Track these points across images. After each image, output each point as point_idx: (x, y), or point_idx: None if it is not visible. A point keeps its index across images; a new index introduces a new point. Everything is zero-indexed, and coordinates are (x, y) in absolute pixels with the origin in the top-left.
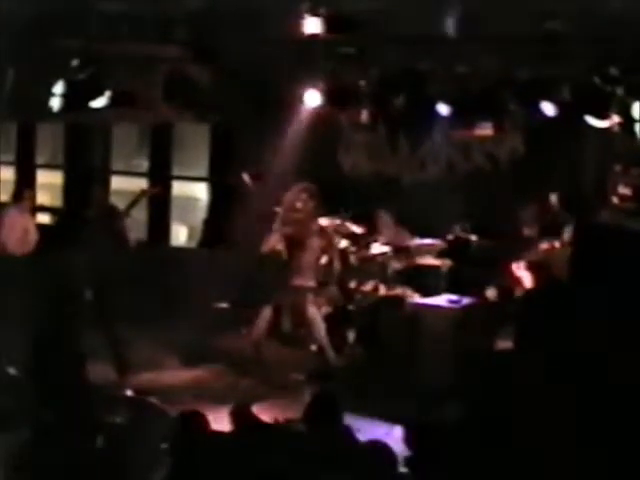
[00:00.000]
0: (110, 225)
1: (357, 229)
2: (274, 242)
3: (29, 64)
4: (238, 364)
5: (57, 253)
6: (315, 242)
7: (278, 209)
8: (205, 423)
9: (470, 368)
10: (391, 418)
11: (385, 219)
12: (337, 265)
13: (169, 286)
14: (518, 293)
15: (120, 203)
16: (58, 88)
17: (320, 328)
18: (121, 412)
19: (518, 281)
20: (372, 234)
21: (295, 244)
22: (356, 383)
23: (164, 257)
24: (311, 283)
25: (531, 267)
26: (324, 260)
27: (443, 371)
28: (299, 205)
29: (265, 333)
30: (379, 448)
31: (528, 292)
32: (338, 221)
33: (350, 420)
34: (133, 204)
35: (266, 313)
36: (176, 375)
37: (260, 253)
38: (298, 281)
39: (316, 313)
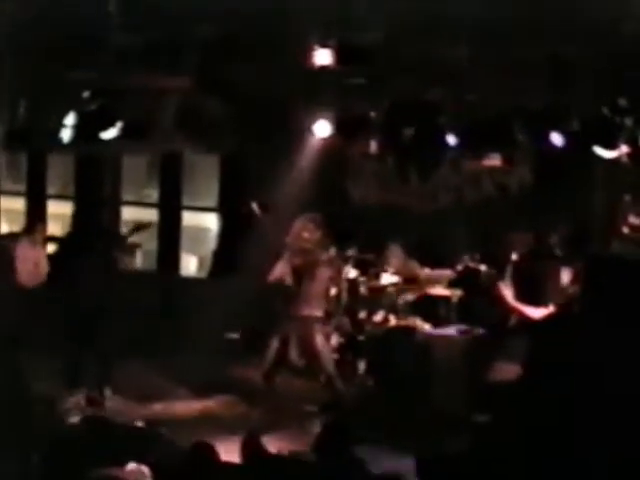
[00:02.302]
0: (109, 253)
1: (367, 259)
2: (280, 271)
3: (40, 95)
4: (249, 394)
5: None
6: (324, 272)
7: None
8: (215, 454)
9: (482, 398)
10: (403, 449)
11: (395, 251)
12: (345, 295)
13: (179, 316)
14: (520, 318)
15: None
16: (69, 119)
17: (328, 358)
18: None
19: (501, 299)
20: (382, 264)
21: (303, 274)
22: (367, 414)
23: (174, 287)
24: (319, 313)
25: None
26: (333, 291)
27: (454, 401)
28: (306, 235)
29: (274, 364)
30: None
31: (539, 321)
32: (348, 251)
33: (361, 451)
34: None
35: (274, 344)
36: (187, 405)
37: (266, 283)
38: (306, 311)
39: (324, 343)
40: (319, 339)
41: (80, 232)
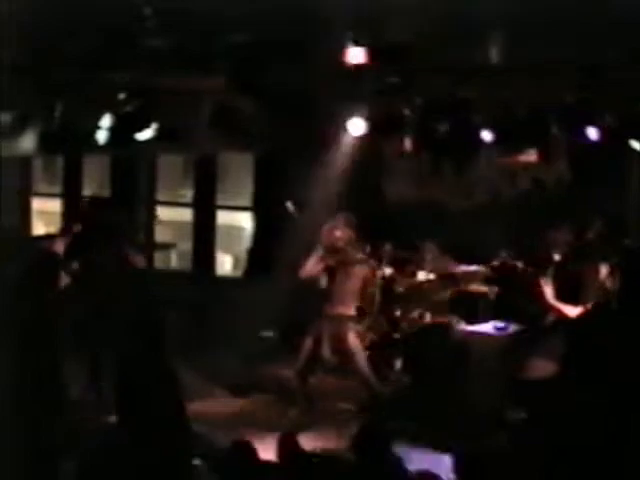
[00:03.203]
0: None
1: (402, 256)
2: (312, 268)
3: (77, 97)
4: (285, 393)
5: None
6: (358, 271)
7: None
8: (254, 453)
9: (518, 395)
10: (440, 447)
11: (431, 248)
12: (379, 294)
13: (215, 315)
14: (559, 316)
15: (165, 233)
16: (105, 121)
17: (361, 357)
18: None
19: (541, 297)
20: (418, 262)
21: (337, 273)
22: (403, 412)
23: (210, 286)
24: (352, 312)
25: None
26: (368, 290)
27: (491, 399)
28: (338, 234)
29: (307, 363)
30: (429, 478)
31: (576, 317)
32: (383, 249)
33: (399, 450)
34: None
35: (308, 342)
36: (224, 405)
37: (298, 278)
38: (339, 310)
39: (357, 342)
40: (352, 338)
41: (88, 230)
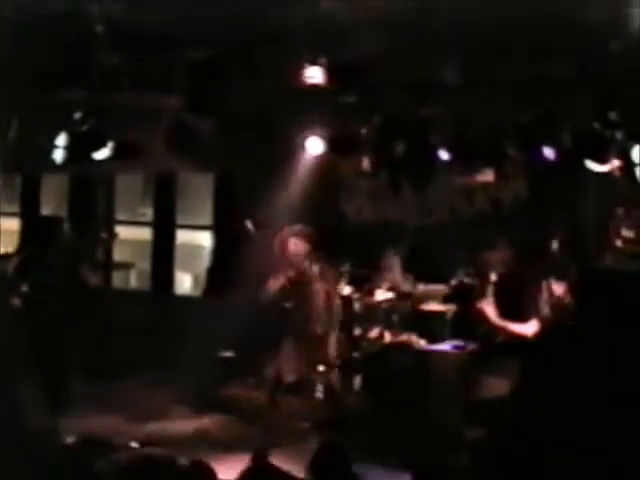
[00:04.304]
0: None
1: (361, 275)
2: (275, 286)
3: (32, 116)
4: (244, 413)
5: None
6: (318, 288)
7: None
8: (213, 474)
9: (476, 414)
10: (399, 465)
11: (392, 262)
12: (339, 311)
13: (174, 334)
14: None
15: (125, 252)
16: (61, 140)
17: (329, 372)
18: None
19: (485, 318)
20: (377, 278)
21: (297, 290)
22: (363, 430)
23: (169, 305)
24: (318, 329)
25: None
26: (329, 307)
27: (451, 417)
28: (294, 248)
29: (273, 381)
30: None
31: (533, 335)
32: (342, 268)
33: (358, 468)
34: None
35: (275, 361)
36: (182, 425)
37: (262, 296)
38: (305, 327)
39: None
40: (318, 356)
41: (38, 249)
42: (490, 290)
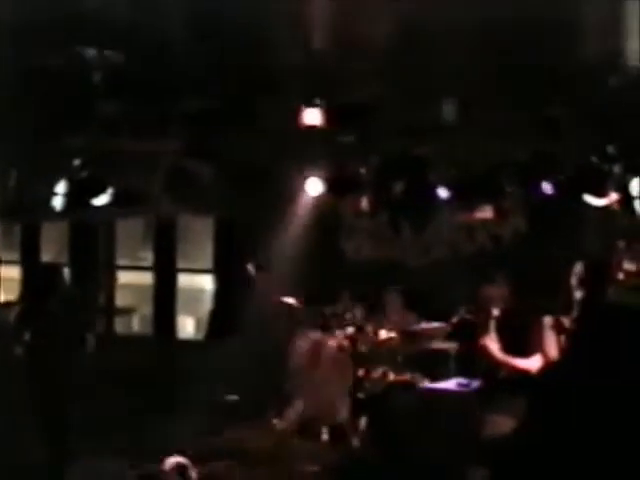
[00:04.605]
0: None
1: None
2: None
3: (31, 164)
4: (249, 458)
5: None
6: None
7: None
8: None
9: (482, 453)
10: None
11: (394, 300)
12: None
13: (178, 379)
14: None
15: (127, 297)
16: (60, 187)
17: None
18: None
19: (488, 354)
20: (379, 318)
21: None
22: (370, 473)
23: (171, 350)
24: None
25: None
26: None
27: (456, 457)
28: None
29: (294, 425)
30: None
31: (537, 371)
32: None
33: None
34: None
35: (298, 406)
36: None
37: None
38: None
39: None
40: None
41: (39, 296)
42: (492, 325)
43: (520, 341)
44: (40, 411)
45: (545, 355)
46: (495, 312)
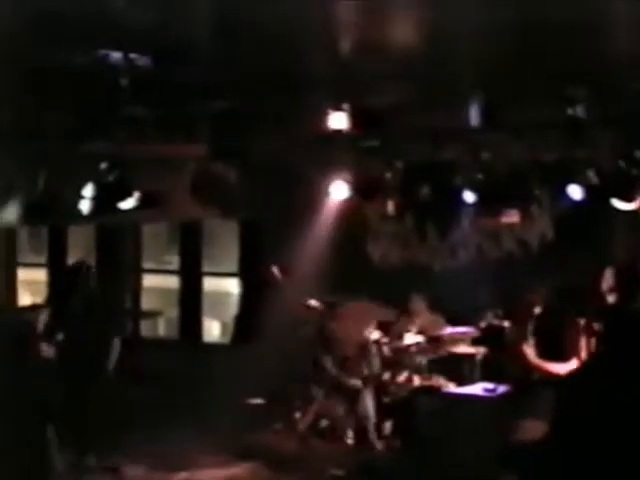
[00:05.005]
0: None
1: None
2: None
3: (58, 168)
4: (275, 461)
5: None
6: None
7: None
8: None
9: (509, 458)
10: None
11: (419, 304)
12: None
13: (203, 383)
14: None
15: (152, 301)
16: (87, 191)
17: (371, 422)
18: None
19: (524, 358)
20: (405, 322)
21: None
22: (393, 476)
23: (197, 353)
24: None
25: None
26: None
27: (483, 462)
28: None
29: (313, 427)
30: None
31: (562, 377)
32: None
33: None
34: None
35: (317, 407)
36: (212, 473)
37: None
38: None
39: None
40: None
41: (59, 298)
42: (529, 330)
43: (556, 346)
44: (68, 413)
45: (580, 360)
46: (533, 317)
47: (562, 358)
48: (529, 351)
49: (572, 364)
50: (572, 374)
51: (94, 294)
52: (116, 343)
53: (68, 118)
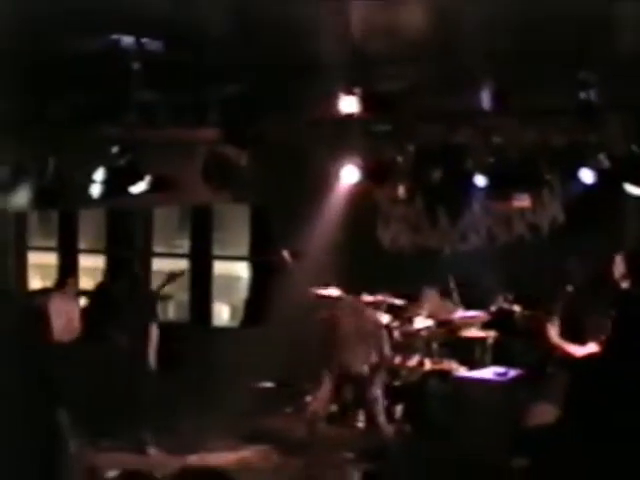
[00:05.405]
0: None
1: (400, 303)
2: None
3: (69, 152)
4: (285, 444)
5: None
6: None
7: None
8: None
9: (520, 442)
10: None
11: (429, 294)
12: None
13: (213, 366)
14: (563, 356)
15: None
16: (98, 175)
17: (381, 406)
18: None
19: (545, 336)
20: (415, 308)
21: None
22: (405, 460)
23: (207, 337)
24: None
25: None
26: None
27: (494, 446)
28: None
29: (324, 410)
30: None
31: (576, 361)
32: (380, 297)
33: None
34: (162, 286)
35: (326, 389)
36: (222, 456)
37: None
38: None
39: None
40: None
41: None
42: (557, 309)
43: (578, 328)
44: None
45: (600, 345)
46: (564, 296)
47: (582, 341)
48: (552, 330)
49: (590, 348)
50: (584, 358)
51: (138, 279)
52: (154, 327)
53: (80, 102)
